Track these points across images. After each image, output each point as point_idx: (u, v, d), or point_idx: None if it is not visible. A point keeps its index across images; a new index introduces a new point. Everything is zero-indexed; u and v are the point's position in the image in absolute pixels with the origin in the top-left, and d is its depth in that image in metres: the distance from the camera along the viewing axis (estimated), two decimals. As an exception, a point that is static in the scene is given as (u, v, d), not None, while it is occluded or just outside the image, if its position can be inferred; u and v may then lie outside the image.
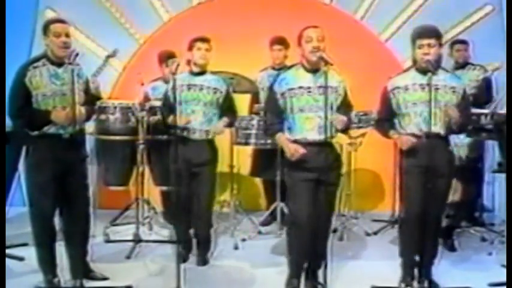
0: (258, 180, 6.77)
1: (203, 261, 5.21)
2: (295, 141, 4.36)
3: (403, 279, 4.60)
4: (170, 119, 4.97)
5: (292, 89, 4.36)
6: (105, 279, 4.76)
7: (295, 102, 4.35)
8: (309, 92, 4.33)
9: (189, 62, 5.14)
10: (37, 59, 4.44)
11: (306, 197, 4.35)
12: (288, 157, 4.34)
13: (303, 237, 4.40)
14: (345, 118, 4.32)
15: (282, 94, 4.38)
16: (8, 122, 5.05)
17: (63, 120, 4.30)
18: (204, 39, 5.07)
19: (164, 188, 6.06)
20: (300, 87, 4.35)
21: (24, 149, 4.54)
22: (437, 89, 4.34)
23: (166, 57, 6.08)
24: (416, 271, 4.56)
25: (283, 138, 4.39)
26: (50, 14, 6.89)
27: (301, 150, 4.29)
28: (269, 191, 6.41)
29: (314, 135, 4.33)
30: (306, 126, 4.34)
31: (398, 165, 4.58)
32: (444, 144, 4.47)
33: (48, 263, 4.56)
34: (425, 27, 4.52)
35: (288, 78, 4.42)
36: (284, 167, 4.56)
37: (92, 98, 4.73)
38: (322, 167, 4.30)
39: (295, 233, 4.45)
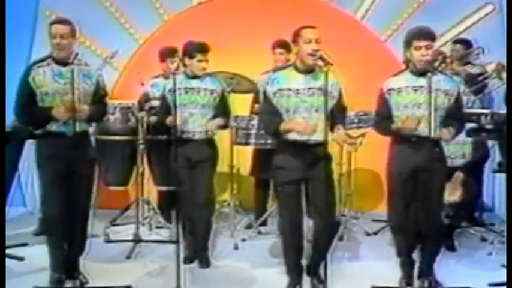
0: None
1: (206, 262, 5.19)
2: (284, 142, 4.38)
3: (402, 279, 4.61)
4: (169, 119, 4.99)
5: (281, 89, 4.36)
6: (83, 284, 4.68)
7: (284, 102, 4.35)
8: (297, 93, 4.33)
9: (185, 65, 5.13)
10: (43, 59, 4.50)
11: (294, 197, 4.38)
12: (305, 131, 4.28)
13: (298, 240, 4.45)
14: (342, 133, 4.32)
15: (274, 94, 4.39)
16: (8, 122, 5.08)
17: (62, 114, 4.33)
18: (205, 51, 5.06)
19: (164, 188, 6.07)
20: (289, 89, 4.34)
21: (35, 148, 4.58)
22: (430, 91, 4.32)
23: (169, 54, 6.07)
24: (417, 270, 4.57)
25: (287, 122, 4.34)
26: (50, 14, 6.89)
27: (311, 122, 4.27)
28: (260, 191, 6.38)
29: (296, 136, 4.34)
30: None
31: (387, 168, 4.54)
32: (434, 144, 4.42)
33: (58, 261, 4.56)
34: (422, 28, 4.49)
35: (279, 78, 4.42)
36: (273, 169, 4.55)
37: (103, 98, 4.70)
38: (307, 167, 4.32)
39: (289, 236, 4.47)
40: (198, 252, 5.21)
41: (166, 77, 5.93)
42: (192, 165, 5.08)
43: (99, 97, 4.61)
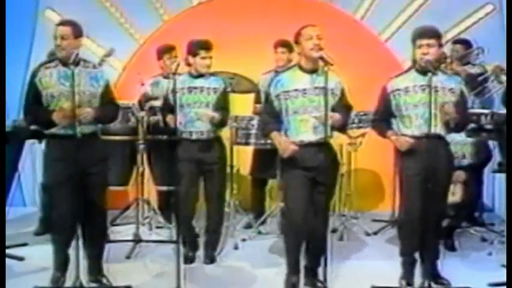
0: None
1: (211, 259, 5.22)
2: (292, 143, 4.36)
3: (403, 277, 4.61)
4: (168, 117, 5.02)
5: (287, 91, 4.36)
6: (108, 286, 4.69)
7: (290, 104, 4.36)
8: (304, 93, 4.34)
9: (189, 64, 5.13)
10: (51, 60, 4.53)
11: (302, 192, 4.36)
12: (280, 154, 4.34)
13: (300, 235, 4.43)
14: (337, 115, 4.31)
15: (277, 96, 4.39)
16: (8, 122, 5.08)
17: (60, 119, 4.33)
18: (208, 48, 5.07)
19: (164, 188, 6.08)
20: (295, 90, 4.35)
21: (43, 150, 4.61)
22: (436, 90, 4.32)
23: (165, 51, 6.09)
24: (418, 270, 4.57)
25: (277, 136, 4.37)
26: (50, 14, 6.90)
27: (293, 147, 4.29)
28: (257, 190, 6.38)
29: (309, 136, 4.35)
30: (301, 128, 4.35)
31: (398, 167, 4.56)
32: (443, 143, 4.47)
33: (61, 261, 4.56)
34: (425, 27, 4.53)
35: (283, 80, 4.42)
36: (281, 166, 4.55)
37: (112, 100, 4.69)
38: (319, 168, 4.33)
39: (292, 230, 4.46)
40: (207, 249, 5.24)
41: (165, 76, 5.94)
42: (203, 167, 5.11)
43: (108, 99, 4.60)
